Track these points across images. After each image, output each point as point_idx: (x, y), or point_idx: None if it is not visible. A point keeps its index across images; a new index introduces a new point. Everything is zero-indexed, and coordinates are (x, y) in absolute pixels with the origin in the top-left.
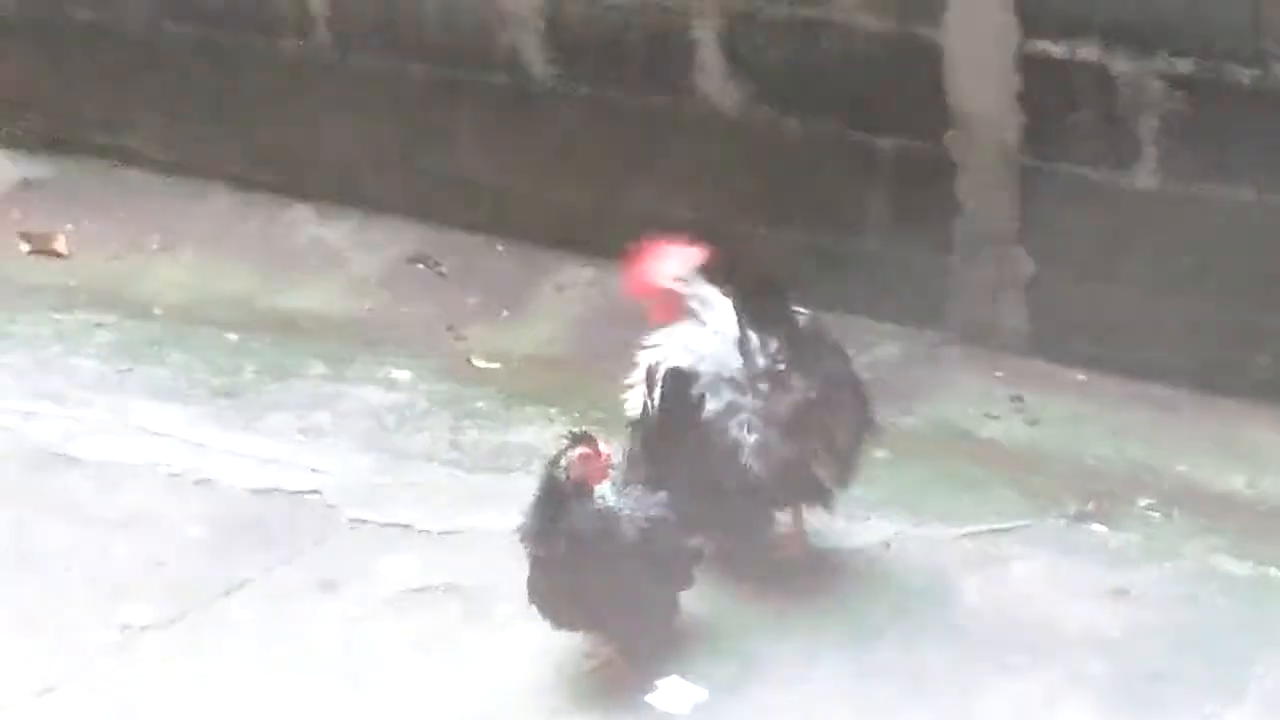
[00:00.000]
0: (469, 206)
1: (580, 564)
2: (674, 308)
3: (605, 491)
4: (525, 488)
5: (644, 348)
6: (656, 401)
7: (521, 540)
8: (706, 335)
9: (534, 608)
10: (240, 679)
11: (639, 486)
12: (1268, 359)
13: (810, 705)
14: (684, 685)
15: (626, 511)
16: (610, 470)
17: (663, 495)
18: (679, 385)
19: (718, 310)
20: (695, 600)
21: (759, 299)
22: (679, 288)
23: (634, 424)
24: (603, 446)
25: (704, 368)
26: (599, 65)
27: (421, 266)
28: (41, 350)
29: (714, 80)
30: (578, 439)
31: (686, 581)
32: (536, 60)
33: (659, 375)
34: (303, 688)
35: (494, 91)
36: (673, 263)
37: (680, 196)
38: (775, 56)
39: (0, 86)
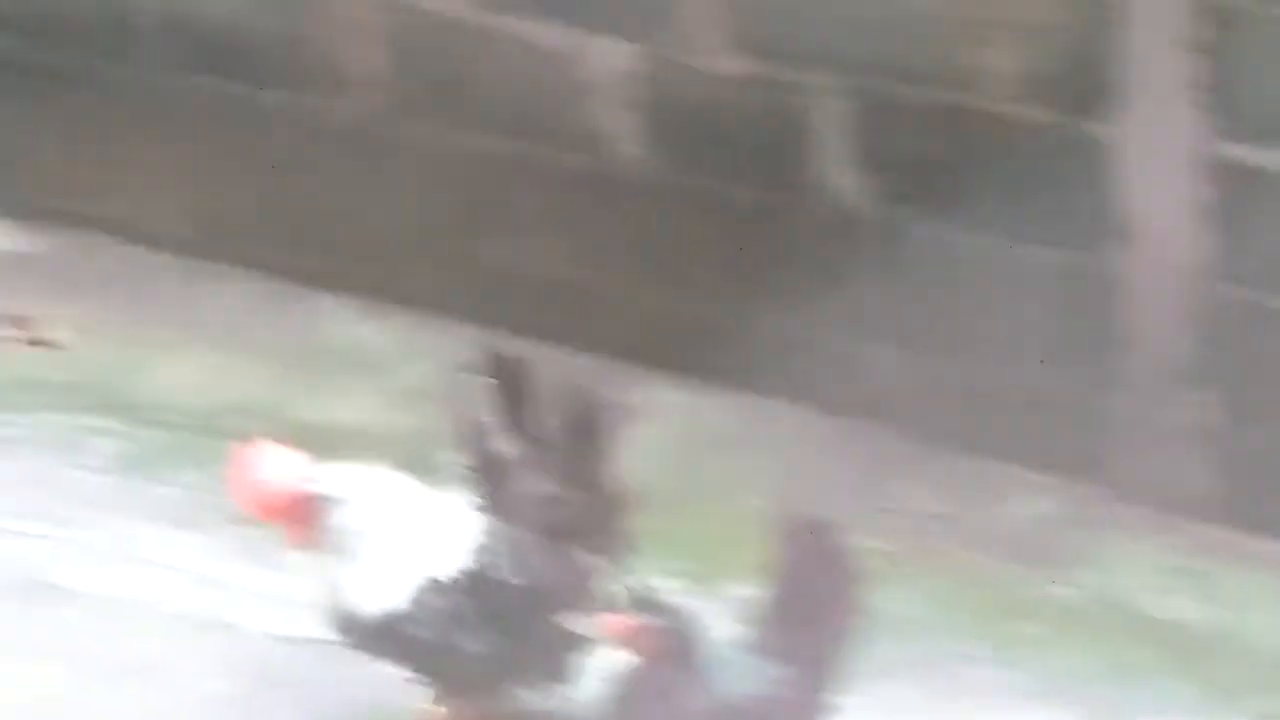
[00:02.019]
0: (537, 310)
1: None
2: (307, 517)
3: (704, 665)
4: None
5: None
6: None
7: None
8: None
9: None
10: None
11: (755, 654)
12: None
13: None
14: None
15: (727, 687)
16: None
17: (782, 666)
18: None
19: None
20: None
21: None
22: (305, 490)
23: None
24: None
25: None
26: (698, 148)
27: (478, 378)
28: (33, 459)
29: (837, 173)
30: (629, 602)
31: None
32: (622, 138)
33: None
34: None
35: (571, 173)
36: (282, 464)
37: (791, 311)
38: (911, 148)
39: None
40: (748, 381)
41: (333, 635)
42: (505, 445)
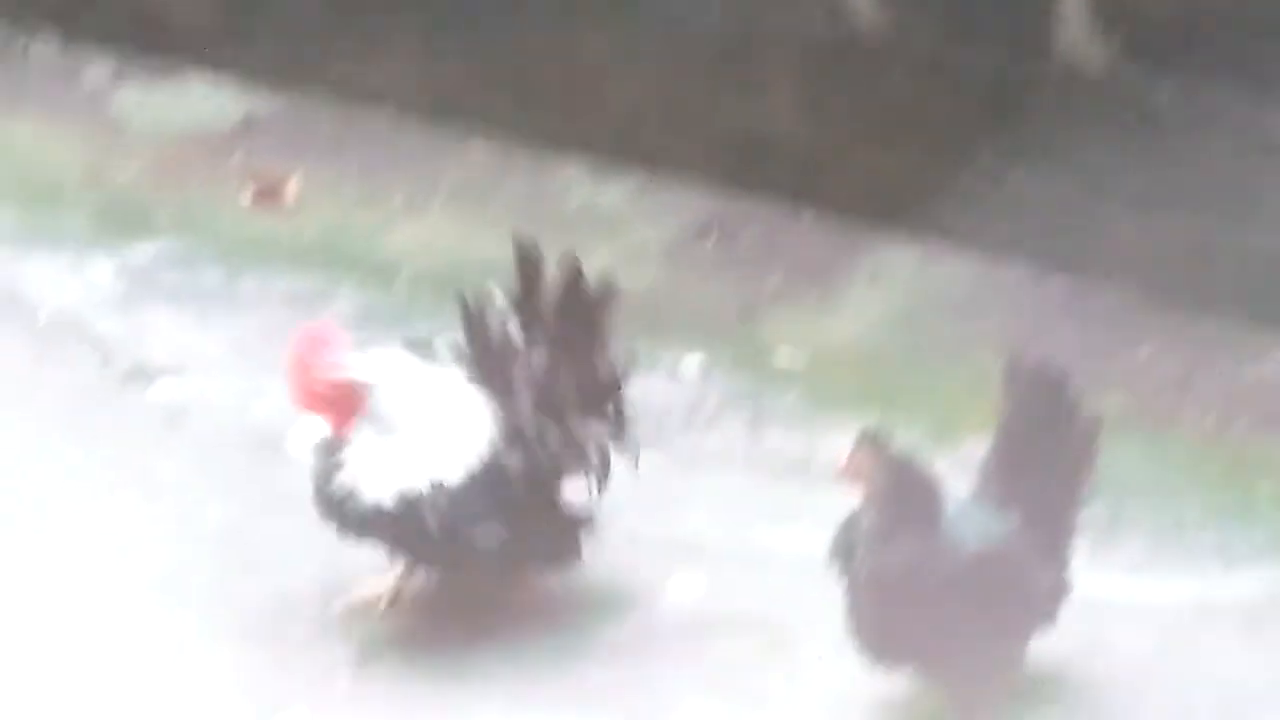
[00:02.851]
0: (772, 171)
1: (901, 594)
2: (352, 402)
3: (938, 509)
4: (835, 503)
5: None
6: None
7: (832, 563)
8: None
9: (849, 642)
10: (490, 712)
11: (987, 505)
12: None
13: None
14: None
15: (960, 534)
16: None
17: (1014, 518)
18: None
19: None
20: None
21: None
22: (352, 375)
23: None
24: (870, 454)
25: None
26: (937, 12)
27: (713, 239)
28: (269, 317)
29: (1075, 35)
30: (864, 440)
31: (1038, 624)
32: (863, 6)
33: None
34: None
35: (809, 40)
36: (330, 349)
37: (1028, 172)
38: (1152, 8)
39: (223, 6)
40: (982, 241)
41: (323, 518)
42: (509, 327)
